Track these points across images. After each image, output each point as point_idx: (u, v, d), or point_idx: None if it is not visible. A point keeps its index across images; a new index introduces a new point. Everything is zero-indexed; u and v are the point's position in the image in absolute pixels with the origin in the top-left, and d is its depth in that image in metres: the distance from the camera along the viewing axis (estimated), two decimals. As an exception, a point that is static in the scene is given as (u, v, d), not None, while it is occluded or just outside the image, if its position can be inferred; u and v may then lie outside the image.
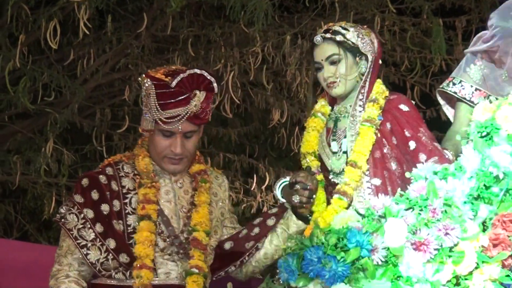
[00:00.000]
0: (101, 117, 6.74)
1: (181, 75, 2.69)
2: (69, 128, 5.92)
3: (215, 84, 2.74)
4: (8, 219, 7.28)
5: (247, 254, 2.87)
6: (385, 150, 3.03)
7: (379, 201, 2.51)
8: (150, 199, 2.74)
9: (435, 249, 2.38)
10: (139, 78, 2.76)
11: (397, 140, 3.04)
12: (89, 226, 2.72)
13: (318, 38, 3.11)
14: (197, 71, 2.72)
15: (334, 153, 3.10)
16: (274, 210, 2.95)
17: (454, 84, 3.33)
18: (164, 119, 2.70)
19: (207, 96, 2.73)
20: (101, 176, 2.80)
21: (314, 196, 2.87)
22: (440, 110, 6.80)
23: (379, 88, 3.12)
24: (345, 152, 3.08)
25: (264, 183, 6.65)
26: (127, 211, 2.76)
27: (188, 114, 2.70)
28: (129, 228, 2.74)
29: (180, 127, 2.72)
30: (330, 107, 3.22)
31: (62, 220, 2.76)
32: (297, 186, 2.83)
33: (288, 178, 3.01)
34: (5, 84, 5.64)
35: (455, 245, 2.42)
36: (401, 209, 2.43)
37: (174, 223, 2.78)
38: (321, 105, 3.24)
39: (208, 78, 2.72)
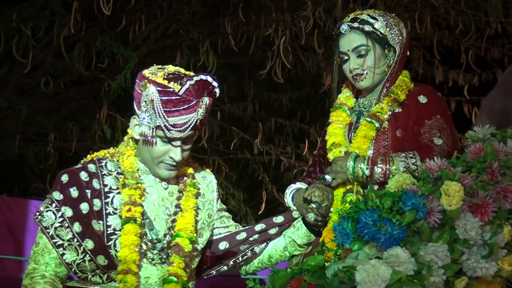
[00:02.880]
0: (153, 83, 6.80)
1: (189, 83, 2.57)
2: (122, 94, 5.98)
3: (217, 90, 2.62)
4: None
5: (241, 255, 2.84)
6: (406, 147, 2.86)
7: (435, 163, 2.48)
8: (135, 201, 2.64)
9: (493, 212, 2.35)
10: (141, 83, 2.61)
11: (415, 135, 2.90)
12: (66, 225, 2.62)
13: (344, 27, 2.94)
14: (203, 77, 2.59)
15: None
16: (280, 219, 2.88)
17: None
18: (170, 126, 2.60)
19: (210, 102, 2.64)
20: (82, 172, 2.68)
21: (329, 213, 2.82)
22: (496, 73, 6.70)
23: (400, 81, 2.94)
24: None
25: (315, 148, 6.63)
26: (108, 211, 2.65)
27: (194, 122, 2.61)
28: (109, 229, 2.63)
29: (185, 135, 2.63)
30: (354, 99, 3.07)
31: (39, 217, 2.65)
32: (313, 206, 2.78)
33: (299, 185, 2.96)
34: (60, 50, 5.74)
35: (514, 207, 2.38)
36: (458, 172, 2.40)
37: (157, 225, 2.69)
38: (346, 97, 3.07)
39: (213, 84, 2.60)
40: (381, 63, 2.94)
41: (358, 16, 2.96)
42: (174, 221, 2.70)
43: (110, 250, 2.62)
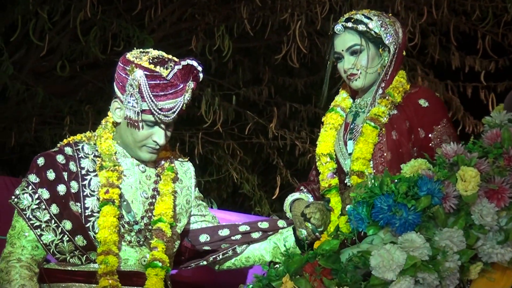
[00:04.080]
0: (169, 66, 6.81)
1: (177, 67, 2.60)
2: (138, 78, 5.97)
3: (201, 74, 2.64)
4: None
5: (221, 252, 2.85)
6: (401, 150, 2.85)
7: (451, 149, 2.47)
8: (113, 183, 2.65)
9: (509, 198, 2.34)
10: (127, 67, 2.62)
11: (414, 139, 2.87)
12: (44, 207, 2.62)
13: (338, 27, 2.92)
14: (189, 61, 2.61)
15: (349, 154, 2.93)
16: (265, 225, 2.89)
17: None
18: (157, 110, 2.61)
19: (195, 86, 2.65)
20: (58, 155, 2.69)
21: (320, 237, 2.81)
22: (513, 59, 6.67)
23: (397, 82, 2.93)
24: None
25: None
26: (85, 193, 2.65)
27: (181, 106, 2.63)
28: (86, 211, 2.64)
29: (171, 119, 2.64)
30: (351, 100, 3.06)
31: (15, 200, 2.65)
32: (309, 226, 2.78)
33: (302, 196, 2.96)
34: (77, 34, 5.75)
35: (531, 193, 2.37)
36: (474, 157, 2.40)
37: (135, 208, 2.70)
38: (342, 98, 3.07)
39: (198, 68, 2.63)
40: (375, 63, 2.93)
41: (352, 16, 2.95)
42: (151, 204, 2.72)
43: (89, 232, 2.63)
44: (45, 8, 5.72)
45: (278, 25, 6.53)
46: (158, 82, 2.60)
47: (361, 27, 2.90)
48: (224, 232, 2.87)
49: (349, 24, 2.91)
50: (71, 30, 5.97)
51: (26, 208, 2.63)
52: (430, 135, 2.87)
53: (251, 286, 2.48)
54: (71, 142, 2.74)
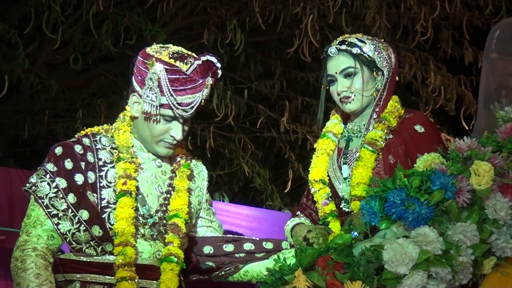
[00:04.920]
0: (180, 60, 6.81)
1: (196, 63, 2.61)
2: (150, 71, 5.98)
3: (220, 71, 2.65)
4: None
5: (224, 269, 2.83)
6: None
7: (464, 143, 2.47)
8: (130, 175, 2.66)
9: (523, 192, 2.35)
10: (147, 61, 2.63)
11: (411, 164, 2.79)
12: (61, 196, 2.62)
13: (332, 50, 2.91)
14: (209, 57, 2.62)
15: (345, 178, 2.93)
16: (269, 245, 2.86)
17: None
18: (176, 105, 2.63)
19: (213, 83, 2.67)
20: (76, 145, 2.69)
21: None
22: (526, 54, 6.62)
23: (392, 107, 2.92)
24: None
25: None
26: (102, 184, 2.66)
27: (200, 102, 2.65)
28: (103, 201, 2.64)
29: (189, 114, 2.65)
30: (343, 126, 3.04)
31: (33, 188, 2.64)
32: None
33: (303, 219, 2.96)
34: (89, 27, 5.77)
35: (545, 187, 2.37)
36: (488, 151, 2.39)
37: (150, 201, 2.70)
38: (333, 124, 3.05)
39: (217, 65, 2.64)
40: (369, 86, 2.92)
41: (346, 39, 2.94)
42: (166, 199, 2.73)
43: (105, 223, 2.63)
44: (58, 1, 5.73)
45: (290, 19, 6.52)
46: (178, 76, 2.62)
47: (355, 50, 2.90)
48: (229, 248, 2.85)
49: (343, 47, 2.91)
50: (84, 23, 5.98)
51: (44, 197, 2.63)
52: None
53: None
54: (88, 133, 2.75)
